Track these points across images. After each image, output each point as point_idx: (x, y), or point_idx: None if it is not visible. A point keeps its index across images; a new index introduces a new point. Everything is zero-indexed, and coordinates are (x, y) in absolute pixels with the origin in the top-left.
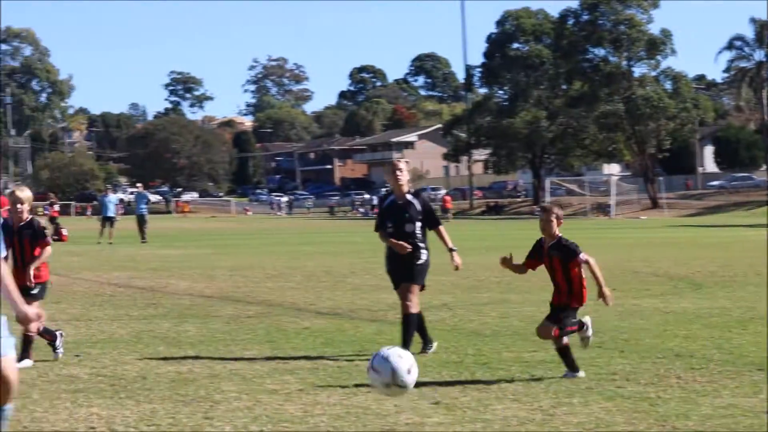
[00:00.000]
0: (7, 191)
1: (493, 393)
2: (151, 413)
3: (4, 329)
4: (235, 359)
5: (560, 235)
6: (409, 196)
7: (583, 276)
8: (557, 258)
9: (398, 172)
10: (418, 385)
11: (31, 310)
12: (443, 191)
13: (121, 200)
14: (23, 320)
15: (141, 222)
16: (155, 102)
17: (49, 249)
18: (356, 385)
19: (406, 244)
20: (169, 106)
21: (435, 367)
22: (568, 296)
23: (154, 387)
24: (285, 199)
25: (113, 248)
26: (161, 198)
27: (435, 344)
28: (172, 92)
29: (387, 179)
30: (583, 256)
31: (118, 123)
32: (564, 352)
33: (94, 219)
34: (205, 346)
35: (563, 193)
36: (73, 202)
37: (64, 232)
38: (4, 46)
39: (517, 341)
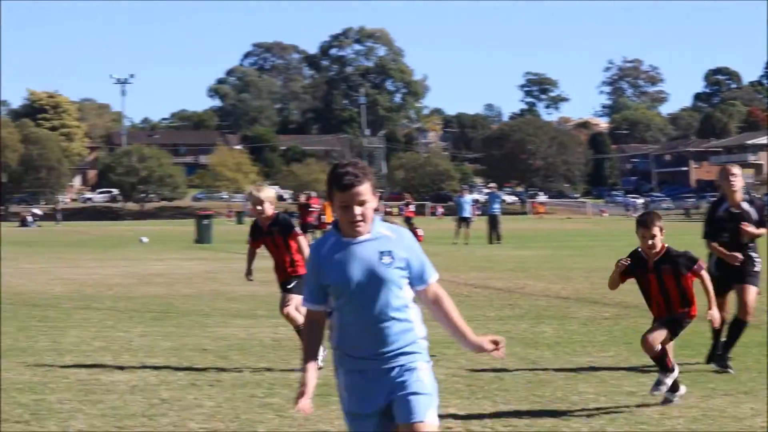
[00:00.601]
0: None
1: None
2: (508, 414)
3: (423, 384)
4: (592, 361)
5: (667, 245)
6: (744, 204)
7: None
8: (669, 271)
9: (732, 178)
10: None
11: (485, 339)
12: None
13: (476, 201)
14: (478, 350)
15: (494, 222)
16: (510, 103)
17: (301, 239)
18: (713, 388)
19: (738, 255)
20: (525, 107)
21: None
22: (681, 306)
23: (511, 388)
24: (641, 200)
25: (469, 249)
26: (516, 199)
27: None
28: (527, 93)
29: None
30: (702, 263)
31: (473, 124)
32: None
33: (447, 219)
34: (562, 348)
35: None
36: (428, 203)
37: (420, 232)
38: (357, 46)
39: None
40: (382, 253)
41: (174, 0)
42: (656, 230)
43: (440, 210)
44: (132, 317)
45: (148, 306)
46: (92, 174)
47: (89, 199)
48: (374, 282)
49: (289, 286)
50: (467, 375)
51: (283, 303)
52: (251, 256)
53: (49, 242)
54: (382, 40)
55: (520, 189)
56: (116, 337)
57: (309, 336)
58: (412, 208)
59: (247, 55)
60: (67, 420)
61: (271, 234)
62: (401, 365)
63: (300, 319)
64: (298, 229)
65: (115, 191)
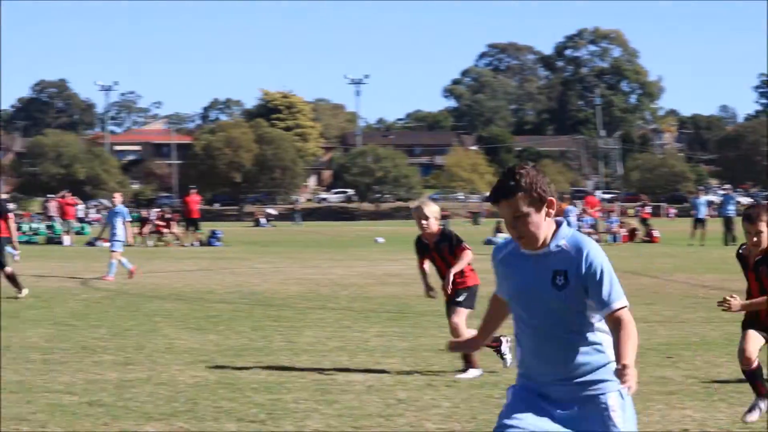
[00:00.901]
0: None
1: None
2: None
3: (613, 421)
4: None
5: None
6: None
7: None
8: (767, 273)
9: None
10: None
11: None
12: None
13: (710, 202)
14: (623, 379)
15: (728, 224)
16: (745, 104)
17: (467, 253)
18: None
19: None
20: (760, 108)
21: None
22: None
23: (747, 390)
24: None
25: (705, 250)
26: (751, 200)
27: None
28: (762, 94)
29: None
30: None
31: (708, 125)
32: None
33: (679, 220)
34: None
35: None
36: (663, 204)
37: (655, 233)
38: (592, 47)
39: None
40: (556, 272)
41: (409, 0)
42: (763, 225)
43: (672, 211)
44: (368, 317)
45: (384, 306)
46: (327, 174)
47: (324, 199)
48: (545, 302)
49: (458, 299)
50: (704, 377)
51: (451, 314)
52: (425, 273)
53: (284, 242)
54: (616, 41)
55: (755, 190)
56: (352, 337)
57: (487, 313)
58: (648, 209)
59: (481, 56)
60: (303, 420)
61: (439, 249)
62: (587, 396)
63: (466, 333)
64: (465, 244)
65: (350, 191)
